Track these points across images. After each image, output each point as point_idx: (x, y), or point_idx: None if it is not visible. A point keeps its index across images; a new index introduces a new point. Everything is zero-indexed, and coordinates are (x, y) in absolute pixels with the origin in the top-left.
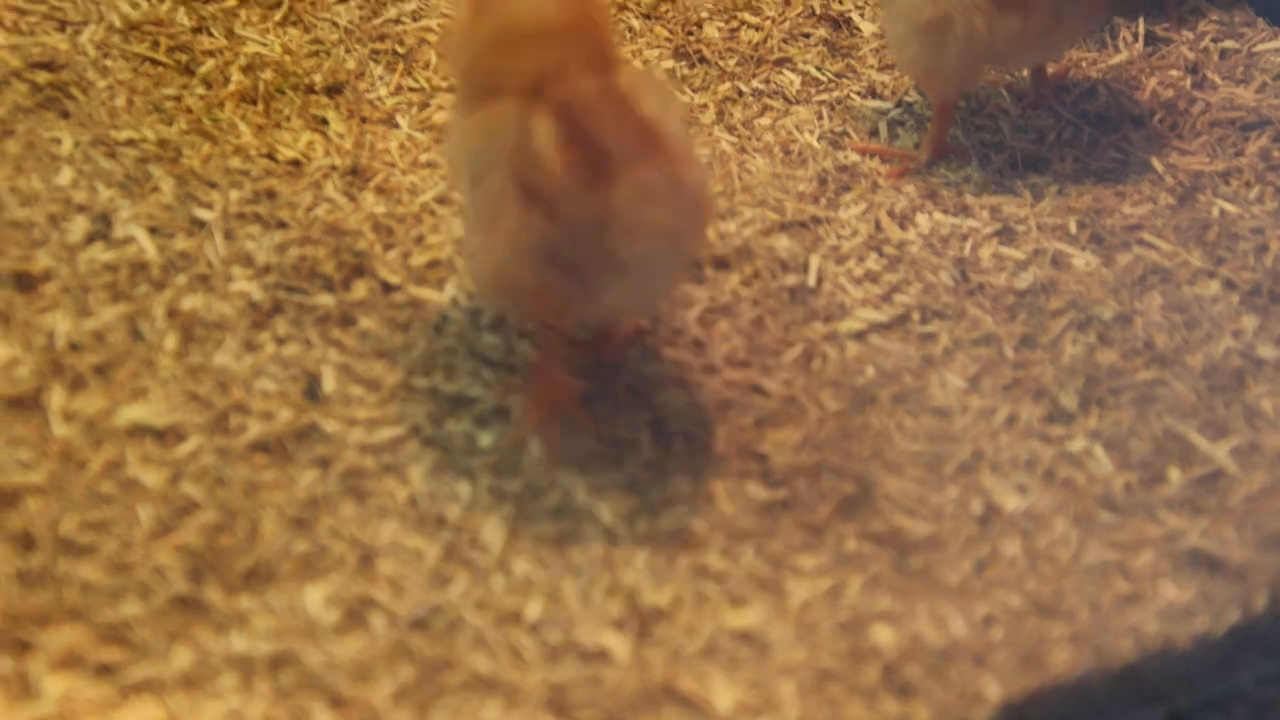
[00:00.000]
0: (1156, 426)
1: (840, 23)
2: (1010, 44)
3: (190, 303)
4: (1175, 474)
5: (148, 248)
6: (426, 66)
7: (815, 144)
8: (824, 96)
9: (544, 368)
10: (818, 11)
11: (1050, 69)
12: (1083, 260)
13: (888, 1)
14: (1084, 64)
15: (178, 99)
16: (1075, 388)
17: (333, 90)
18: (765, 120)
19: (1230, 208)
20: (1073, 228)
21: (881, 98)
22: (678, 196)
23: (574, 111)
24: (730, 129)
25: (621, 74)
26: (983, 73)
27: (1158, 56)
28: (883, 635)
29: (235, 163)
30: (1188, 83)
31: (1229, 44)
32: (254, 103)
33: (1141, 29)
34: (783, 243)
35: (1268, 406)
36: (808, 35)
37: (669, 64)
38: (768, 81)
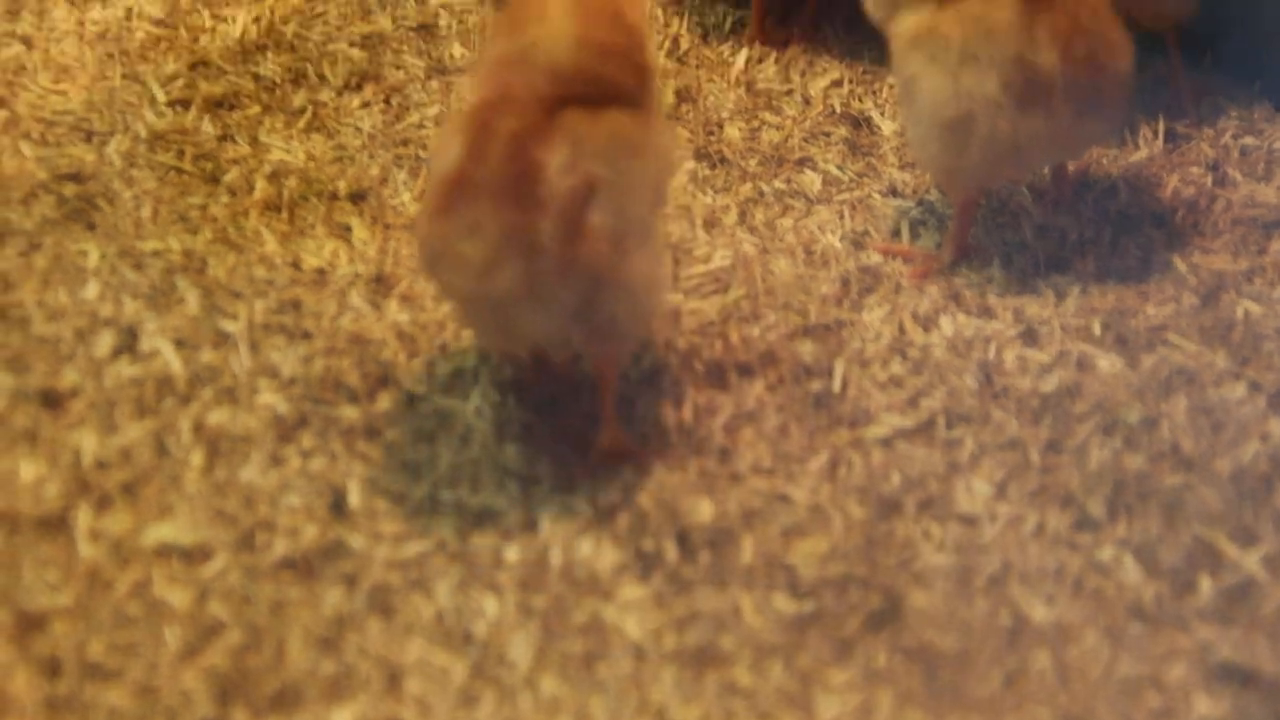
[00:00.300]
0: (1185, 534)
1: (861, 121)
2: (1032, 143)
3: (216, 417)
4: (1205, 583)
5: (173, 361)
6: None
7: (838, 245)
8: (845, 196)
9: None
10: (838, 110)
11: (1071, 167)
12: (1107, 362)
13: (908, 100)
14: (1105, 161)
15: (203, 208)
16: (1103, 494)
17: (356, 197)
18: (787, 221)
19: (1255, 308)
20: (1097, 329)
21: (903, 196)
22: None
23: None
24: (752, 230)
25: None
26: (1004, 172)
27: (1179, 153)
28: None
29: (260, 272)
30: (1209, 180)
31: (1249, 140)
32: (279, 210)
33: (1162, 126)
34: (807, 347)
35: None
36: (828, 134)
37: (690, 165)
38: (789, 182)
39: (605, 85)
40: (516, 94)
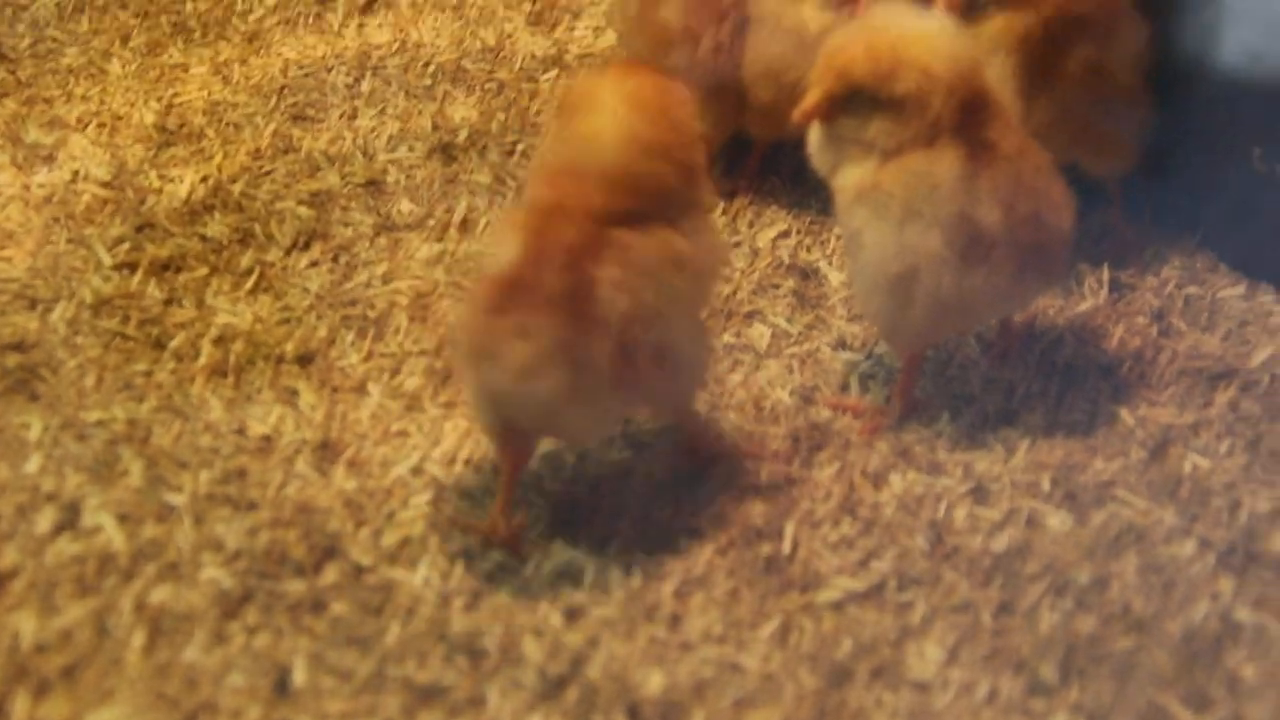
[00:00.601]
0: (1138, 698)
1: (809, 273)
2: (976, 299)
3: (159, 594)
4: None
5: (116, 537)
6: (398, 332)
7: (787, 399)
8: (795, 349)
9: None
10: (786, 262)
11: (1017, 318)
12: (1057, 520)
13: (854, 254)
14: (1051, 312)
15: (148, 375)
16: (1055, 658)
17: (304, 359)
18: (737, 376)
19: (1202, 462)
20: (1046, 485)
21: (852, 349)
22: None
23: None
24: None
25: None
26: (949, 327)
27: (1124, 303)
28: None
29: (205, 440)
30: (1154, 330)
31: (1193, 290)
32: (225, 375)
33: (1107, 276)
34: (757, 507)
35: (1249, 673)
36: (777, 286)
37: None
38: (738, 335)
39: (654, 184)
40: (571, 201)
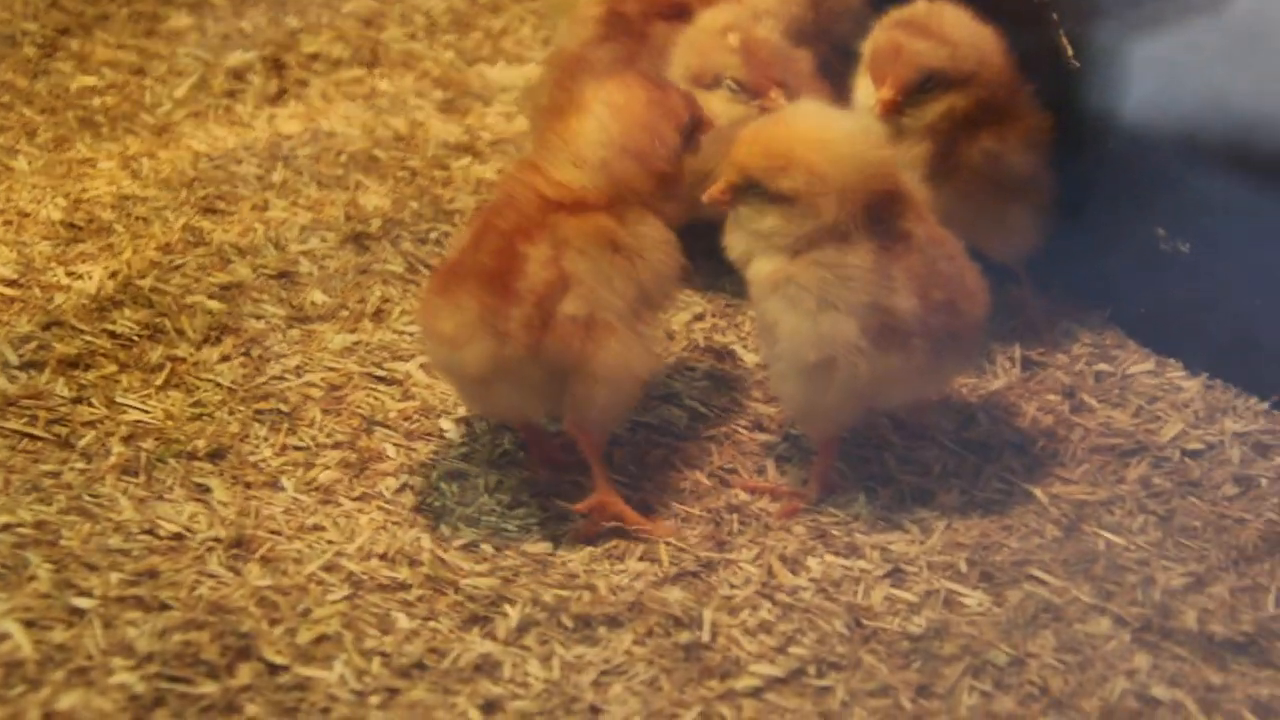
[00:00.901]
0: None
1: (724, 355)
2: (891, 383)
3: (68, 700)
4: None
5: (23, 644)
6: (311, 424)
7: (705, 482)
8: (712, 432)
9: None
10: (702, 345)
11: (932, 397)
12: (974, 600)
13: (769, 339)
14: (964, 390)
15: (56, 475)
16: None
17: (216, 455)
18: (655, 457)
19: (1115, 539)
20: (963, 566)
21: (768, 431)
22: None
23: None
24: (620, 471)
25: None
26: (863, 411)
27: (1035, 381)
28: None
29: (116, 541)
30: (1066, 407)
31: (1103, 367)
32: (135, 474)
33: (1018, 353)
34: (675, 594)
35: None
36: (693, 369)
37: None
38: (656, 418)
39: (625, 185)
40: (520, 191)
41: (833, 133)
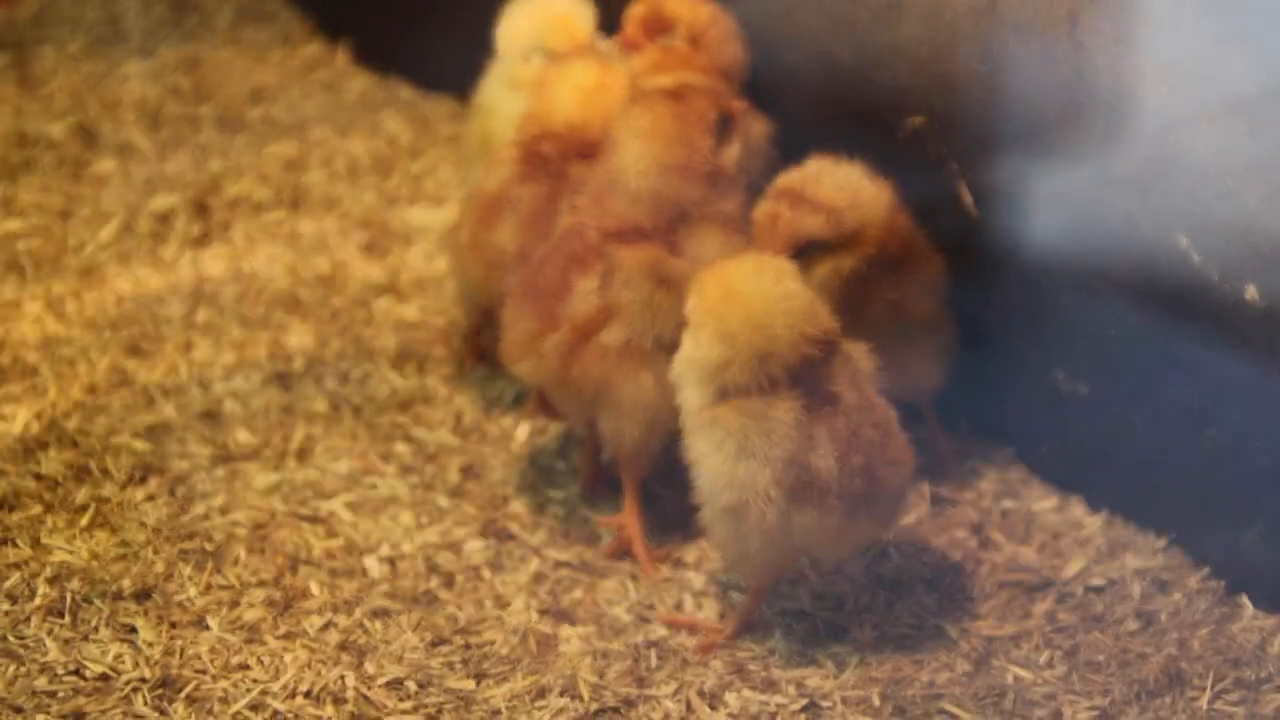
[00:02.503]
0: None
1: (644, 490)
2: (804, 537)
3: None
4: None
5: None
6: (236, 563)
7: (625, 617)
8: (632, 568)
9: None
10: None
11: None
12: None
13: (696, 476)
14: None
15: None
16: None
17: (141, 595)
18: (576, 594)
19: (1023, 673)
20: (876, 700)
21: (687, 566)
22: None
23: None
24: (541, 608)
25: None
26: (783, 561)
27: (944, 517)
28: None
29: (41, 683)
30: (974, 543)
31: (1009, 503)
32: (61, 615)
33: (927, 490)
34: None
35: None
36: (613, 503)
37: (477, 544)
38: (577, 554)
39: (680, 201)
40: (588, 221)
41: (759, 297)
